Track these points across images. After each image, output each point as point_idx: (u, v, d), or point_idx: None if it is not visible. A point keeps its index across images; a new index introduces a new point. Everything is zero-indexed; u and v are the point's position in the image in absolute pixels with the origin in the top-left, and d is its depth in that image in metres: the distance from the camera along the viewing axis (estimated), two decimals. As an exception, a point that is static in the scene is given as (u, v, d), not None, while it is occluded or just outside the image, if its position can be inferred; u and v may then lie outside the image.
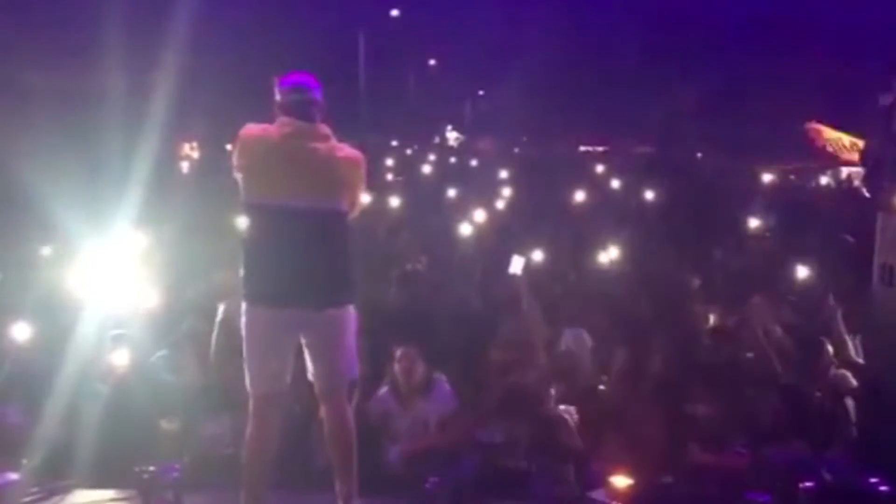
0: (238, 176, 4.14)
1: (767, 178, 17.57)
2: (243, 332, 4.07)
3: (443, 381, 5.53)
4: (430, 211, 12.33)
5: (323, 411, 4.18)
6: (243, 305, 4.08)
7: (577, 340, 6.42)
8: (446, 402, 5.44)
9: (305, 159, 4.05)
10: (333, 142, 4.15)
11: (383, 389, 5.52)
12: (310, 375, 4.18)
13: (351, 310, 4.16)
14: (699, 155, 23.97)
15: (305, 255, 4.02)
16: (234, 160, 4.14)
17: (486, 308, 7.16)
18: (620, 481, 4.31)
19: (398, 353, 5.49)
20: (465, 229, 9.94)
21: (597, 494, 4.43)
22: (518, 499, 4.75)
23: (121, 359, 5.42)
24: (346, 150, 4.19)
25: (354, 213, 4.24)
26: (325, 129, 4.14)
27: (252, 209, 4.10)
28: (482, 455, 5.11)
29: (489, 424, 5.26)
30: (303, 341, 4.12)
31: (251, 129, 4.15)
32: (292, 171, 4.03)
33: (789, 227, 10.88)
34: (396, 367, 5.47)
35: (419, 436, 5.35)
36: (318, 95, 4.17)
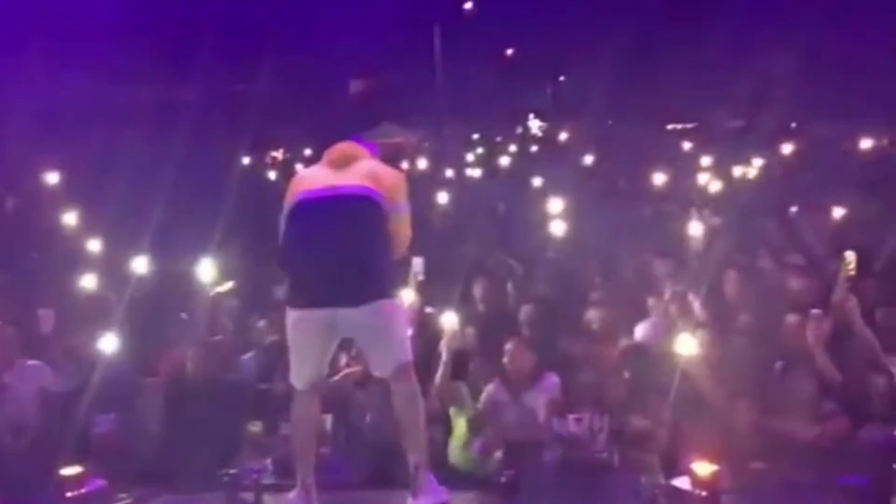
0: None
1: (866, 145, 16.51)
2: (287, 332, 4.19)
3: (551, 374, 5.55)
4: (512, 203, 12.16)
5: (391, 390, 4.17)
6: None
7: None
8: (553, 393, 5.44)
9: (338, 163, 4.23)
10: (375, 161, 4.31)
11: (494, 382, 5.58)
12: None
13: (394, 301, 4.12)
14: (794, 125, 22.84)
15: (335, 246, 3.97)
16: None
17: (566, 299, 7.03)
18: (703, 468, 4.13)
19: (509, 344, 5.58)
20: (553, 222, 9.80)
21: (680, 483, 4.25)
22: (599, 490, 4.63)
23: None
24: (388, 166, 4.35)
25: (398, 219, 4.18)
26: (369, 149, 4.35)
27: (284, 216, 4.19)
28: (562, 447, 5.02)
29: (568, 416, 5.16)
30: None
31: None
32: (322, 173, 4.23)
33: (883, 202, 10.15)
34: (507, 357, 5.54)
35: (527, 426, 5.35)
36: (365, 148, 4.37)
